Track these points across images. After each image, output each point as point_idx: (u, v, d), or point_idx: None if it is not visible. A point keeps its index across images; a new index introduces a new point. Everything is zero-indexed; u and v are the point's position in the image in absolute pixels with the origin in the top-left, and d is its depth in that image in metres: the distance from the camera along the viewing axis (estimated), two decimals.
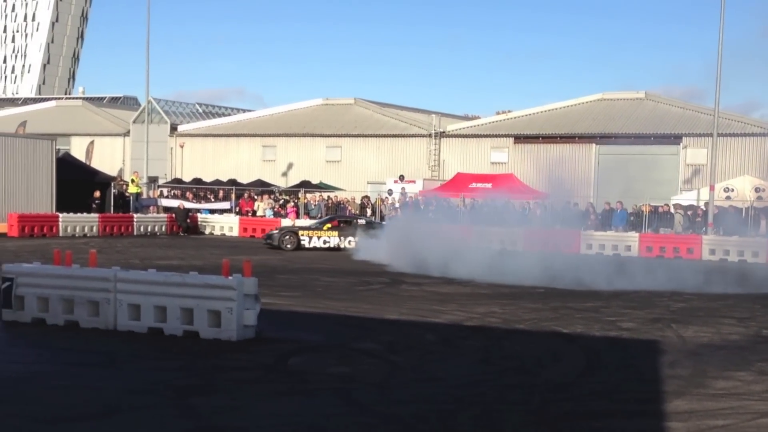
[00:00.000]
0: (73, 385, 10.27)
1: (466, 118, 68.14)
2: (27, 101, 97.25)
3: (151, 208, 45.35)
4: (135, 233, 39.15)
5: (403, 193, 44.17)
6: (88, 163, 52.97)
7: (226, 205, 45.96)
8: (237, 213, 44.47)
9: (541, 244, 31.56)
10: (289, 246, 33.05)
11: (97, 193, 41.19)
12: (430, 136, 53.93)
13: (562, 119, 52.54)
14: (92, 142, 61.93)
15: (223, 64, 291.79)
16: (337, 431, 8.77)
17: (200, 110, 67.31)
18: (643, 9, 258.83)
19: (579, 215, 37.07)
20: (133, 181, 44.79)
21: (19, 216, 35.29)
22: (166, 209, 44.53)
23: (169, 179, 55.96)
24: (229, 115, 67.25)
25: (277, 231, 34.29)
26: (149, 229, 40.19)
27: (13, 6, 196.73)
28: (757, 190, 39.50)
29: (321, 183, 50.97)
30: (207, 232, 42.35)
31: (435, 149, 53.66)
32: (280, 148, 57.89)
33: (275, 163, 57.48)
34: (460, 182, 43.58)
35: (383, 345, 13.22)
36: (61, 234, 36.15)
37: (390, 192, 45.47)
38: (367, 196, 45.97)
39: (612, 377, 11.47)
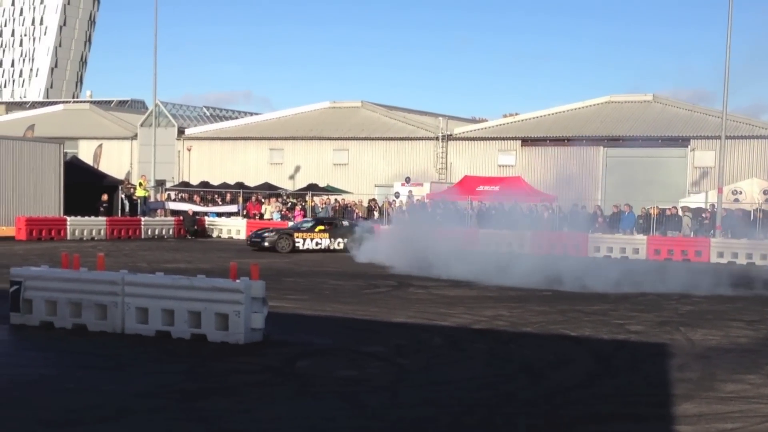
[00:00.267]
0: (81, 388, 10.27)
1: (474, 120, 68.09)
2: (35, 105, 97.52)
3: (159, 211, 45.39)
4: (142, 236, 39.20)
5: (410, 196, 44.15)
6: (95, 166, 53.13)
7: (233, 208, 46.00)
8: (244, 216, 44.47)
9: (549, 247, 31.57)
10: (285, 249, 33.12)
11: (105, 197, 41.26)
12: (437, 138, 53.91)
13: (570, 122, 52.48)
14: (100, 146, 62.07)
15: (231, 68, 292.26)
16: None
17: (207, 113, 67.39)
18: (649, 11, 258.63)
19: (587, 218, 37.01)
20: (140, 184, 44.87)
21: (27, 219, 35.36)
22: (174, 212, 44.59)
23: (176, 182, 56.03)
24: (237, 118, 67.28)
25: (273, 233, 34.10)
26: (157, 233, 40.25)
27: (21, 10, 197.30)
28: (765, 192, 39.39)
29: (328, 186, 50.99)
30: (214, 235, 42.38)
31: (442, 152, 53.64)
32: (287, 151, 57.92)
33: (282, 166, 57.50)
34: (468, 185, 43.51)
35: (391, 348, 13.20)
36: (68, 237, 36.20)
37: (397, 195, 45.45)
38: (374, 199, 45.97)
39: (620, 380, 11.44)
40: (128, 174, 58.61)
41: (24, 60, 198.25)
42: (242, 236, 41.44)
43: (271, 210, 45.03)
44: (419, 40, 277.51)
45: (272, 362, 11.88)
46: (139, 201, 44.08)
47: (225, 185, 50.61)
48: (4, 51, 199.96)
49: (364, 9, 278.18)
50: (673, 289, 22.05)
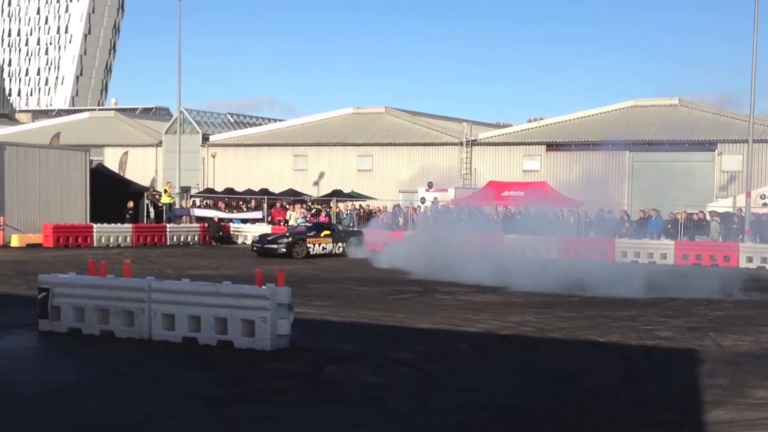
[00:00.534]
0: (108, 394, 10.29)
1: (498, 126, 67.95)
2: (60, 113, 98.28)
3: (184, 218, 45.56)
4: (168, 243, 39.36)
5: (435, 202, 44.07)
6: (121, 173, 53.39)
7: (258, 214, 46.09)
8: (269, 222, 44.54)
9: (575, 253, 31.42)
10: (300, 254, 33.36)
11: (131, 204, 41.46)
12: (461, 144, 53.80)
13: (595, 126, 52.23)
14: (126, 153, 62.40)
15: (255, 74, 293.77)
16: None
17: (232, 120, 67.59)
18: (676, 16, 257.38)
19: (613, 223, 36.81)
20: (165, 191, 45.05)
21: (54, 227, 35.59)
22: (199, 219, 44.73)
23: (201, 189, 56.23)
24: (261, 124, 67.47)
25: (287, 238, 34.11)
26: (182, 239, 40.39)
27: (47, 19, 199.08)
28: None
29: (352, 192, 50.98)
30: (239, 241, 42.45)
31: (467, 157, 53.51)
32: (311, 158, 57.99)
33: (307, 173, 57.59)
34: (493, 190, 43.38)
35: (417, 354, 13.15)
36: (95, 244, 36.40)
37: (423, 200, 45.39)
38: (398, 205, 45.92)
39: (650, 387, 11.33)
40: (153, 181, 58.89)
41: (49, 68, 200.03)
42: None
43: (295, 216, 45.06)
44: (443, 46, 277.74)
45: (299, 368, 11.86)
46: (164, 208, 44.25)
47: (249, 192, 50.74)
48: (30, 59, 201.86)
49: (387, 17, 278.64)
50: (701, 295, 21.86)
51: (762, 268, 31.98)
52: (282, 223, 44.25)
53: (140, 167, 61.35)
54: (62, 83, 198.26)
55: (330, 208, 45.66)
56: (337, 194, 48.55)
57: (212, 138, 61.64)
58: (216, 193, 52.44)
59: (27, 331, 14.33)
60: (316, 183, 56.45)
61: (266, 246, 33.82)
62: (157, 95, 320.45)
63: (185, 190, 52.76)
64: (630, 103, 54.01)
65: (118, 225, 38.46)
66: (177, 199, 48.12)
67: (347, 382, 11.22)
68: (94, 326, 13.96)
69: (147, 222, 42.34)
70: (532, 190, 41.66)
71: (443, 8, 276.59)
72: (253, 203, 47.88)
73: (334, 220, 43.00)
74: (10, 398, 9.99)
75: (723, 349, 14.24)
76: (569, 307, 19.46)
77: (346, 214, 44.54)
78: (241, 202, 49.25)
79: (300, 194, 50.51)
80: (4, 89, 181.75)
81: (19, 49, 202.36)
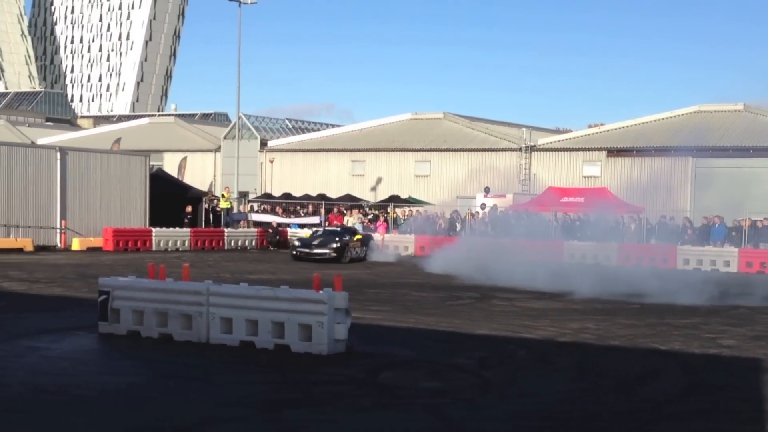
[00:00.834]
0: (166, 397, 10.33)
1: (558, 131, 67.41)
2: (121, 118, 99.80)
3: (242, 222, 45.84)
4: (225, 247, 39.63)
5: (494, 208, 43.79)
6: (180, 178, 53.88)
7: (315, 219, 46.18)
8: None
9: (636, 260, 31.00)
10: (347, 258, 33.64)
11: (189, 208, 41.81)
12: (520, 149, 53.47)
13: (657, 132, 51.56)
14: (185, 158, 63.00)
15: (313, 81, 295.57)
16: None
17: (290, 126, 67.95)
18: (739, 19, 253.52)
19: (675, 230, 36.27)
20: (223, 196, 45.38)
21: (114, 230, 36.02)
22: (257, 224, 44.96)
23: (259, 194, 56.55)
24: (319, 130, 67.70)
25: (334, 243, 34.04)
26: (239, 244, 40.64)
27: (109, 26, 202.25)
28: None
29: (410, 197, 50.92)
30: None
31: (525, 163, 53.18)
32: (369, 163, 58.05)
33: (364, 178, 57.65)
34: (552, 196, 43.02)
35: (475, 360, 13.02)
36: (154, 248, 36.77)
37: (483, 206, 45.14)
38: (456, 210, 45.72)
39: (713, 396, 11.09)
40: (212, 185, 59.33)
41: (111, 75, 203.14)
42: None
43: (353, 221, 45.09)
44: (502, 51, 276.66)
45: (356, 373, 11.80)
46: (222, 212, 44.56)
47: (307, 197, 50.90)
48: (92, 66, 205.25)
49: (446, 27, 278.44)
50: (766, 303, 21.40)
51: None
52: None
53: (199, 172, 61.92)
54: (123, 89, 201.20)
55: (387, 213, 45.63)
56: (395, 199, 48.51)
57: (270, 143, 62.01)
58: (273, 198, 52.70)
59: (87, 333, 14.47)
60: (374, 188, 56.48)
61: (313, 252, 33.54)
62: (216, 101, 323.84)
63: (243, 195, 53.12)
64: (694, 109, 53.23)
65: (177, 229, 38.81)
66: (235, 204, 48.43)
67: (403, 387, 11.13)
68: (153, 329, 14.05)
69: (205, 227, 42.65)
70: (592, 195, 41.25)
71: (504, 17, 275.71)
72: (310, 208, 48.02)
73: (391, 226, 42.95)
74: (71, 399, 10.09)
75: None
76: (629, 314, 19.17)
77: (404, 220, 44.47)
78: (298, 207, 49.42)
79: (357, 199, 50.57)
80: (66, 95, 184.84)
81: (82, 56, 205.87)
